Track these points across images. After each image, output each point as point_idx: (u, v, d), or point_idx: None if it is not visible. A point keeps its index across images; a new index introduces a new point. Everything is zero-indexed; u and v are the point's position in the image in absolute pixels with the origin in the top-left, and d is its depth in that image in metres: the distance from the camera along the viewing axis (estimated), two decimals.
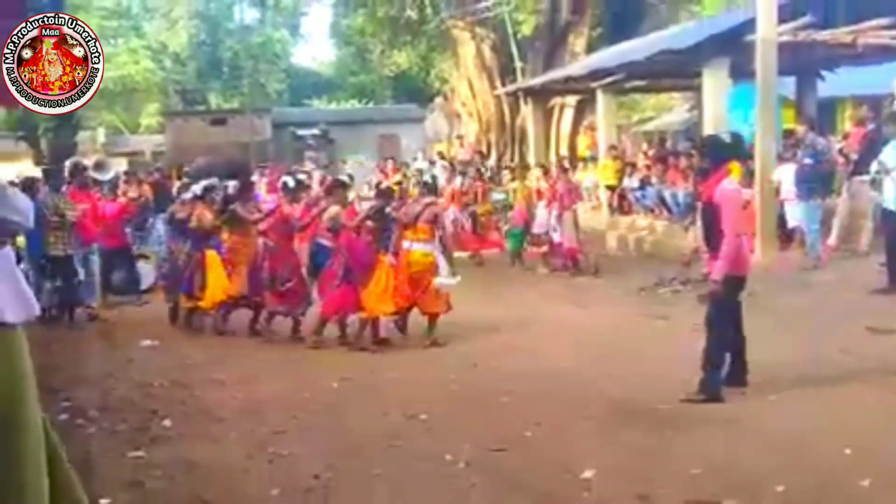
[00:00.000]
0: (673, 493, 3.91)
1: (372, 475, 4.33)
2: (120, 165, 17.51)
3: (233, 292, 8.23)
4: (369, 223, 7.78)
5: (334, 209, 8.03)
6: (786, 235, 10.73)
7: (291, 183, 8.60)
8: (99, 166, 11.05)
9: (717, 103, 11.45)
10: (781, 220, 10.69)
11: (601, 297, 9.78)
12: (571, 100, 20.87)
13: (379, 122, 31.39)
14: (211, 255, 8.33)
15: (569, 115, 21.58)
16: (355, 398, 5.95)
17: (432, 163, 20.33)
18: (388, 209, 7.92)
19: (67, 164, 10.02)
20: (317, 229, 8.58)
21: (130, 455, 4.62)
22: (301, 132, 29.39)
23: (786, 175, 10.35)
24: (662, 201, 13.37)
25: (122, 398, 5.88)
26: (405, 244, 7.82)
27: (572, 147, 21.22)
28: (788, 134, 11.49)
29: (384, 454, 4.65)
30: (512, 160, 22.05)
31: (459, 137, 22.67)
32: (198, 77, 36.74)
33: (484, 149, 22.25)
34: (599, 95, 15.74)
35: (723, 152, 5.66)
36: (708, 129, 11.52)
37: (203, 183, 8.97)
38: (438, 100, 30.79)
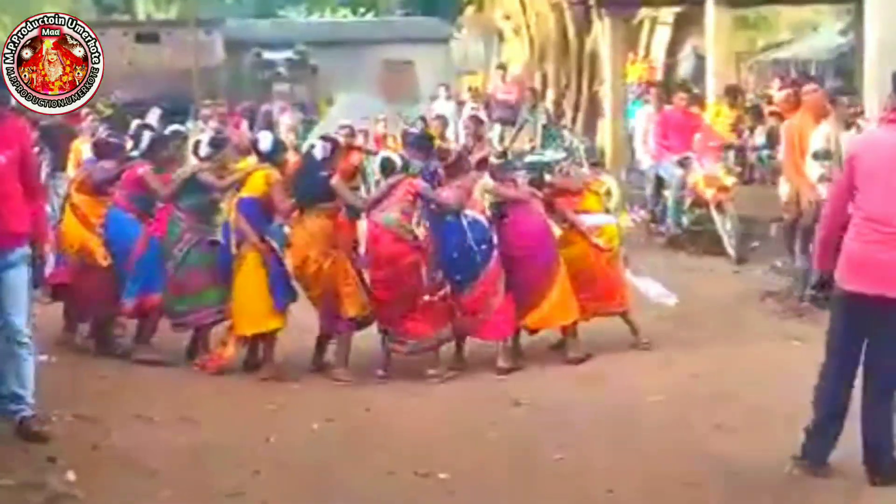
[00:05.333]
0: None
1: None
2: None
3: None
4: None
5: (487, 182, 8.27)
6: None
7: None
8: None
9: (887, 21, 11.34)
10: None
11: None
12: (667, 13, 20.79)
13: (384, 42, 31.43)
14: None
15: (663, 35, 21.50)
16: (345, 447, 6.00)
17: (461, 104, 20.25)
18: None
19: None
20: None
21: None
22: (269, 55, 29.49)
23: None
24: None
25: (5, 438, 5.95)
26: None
27: (667, 84, 21.16)
28: None
29: None
30: (579, 99, 21.97)
31: (502, 67, 22.48)
32: None
33: (538, 85, 22.19)
34: (710, 8, 15.65)
35: None
36: (871, 60, 11.43)
37: (148, 133, 8.82)
38: (470, 10, 30.74)
